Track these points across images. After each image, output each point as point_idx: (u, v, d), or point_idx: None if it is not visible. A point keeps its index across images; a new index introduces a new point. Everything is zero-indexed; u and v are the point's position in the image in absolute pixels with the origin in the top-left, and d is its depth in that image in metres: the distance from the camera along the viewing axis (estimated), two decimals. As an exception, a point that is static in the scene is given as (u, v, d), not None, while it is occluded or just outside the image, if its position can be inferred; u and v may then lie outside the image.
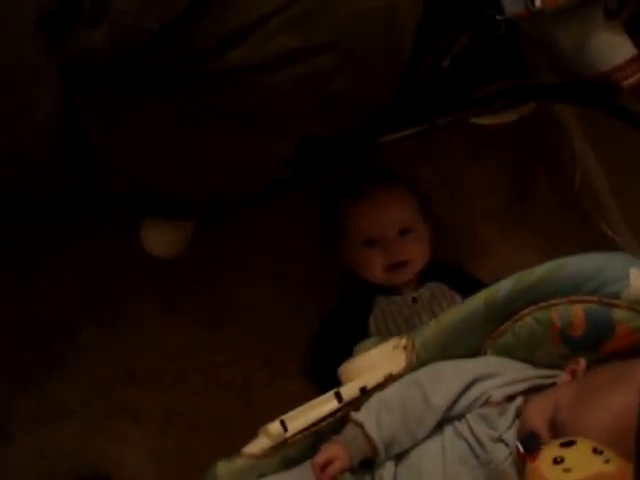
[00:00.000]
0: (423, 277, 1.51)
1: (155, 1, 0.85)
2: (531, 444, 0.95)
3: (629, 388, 0.91)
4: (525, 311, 1.05)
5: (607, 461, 0.73)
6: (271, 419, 1.05)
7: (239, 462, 1.06)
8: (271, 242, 1.58)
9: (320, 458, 1.03)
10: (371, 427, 1.04)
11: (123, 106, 0.99)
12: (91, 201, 1.17)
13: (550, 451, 0.78)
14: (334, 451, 1.03)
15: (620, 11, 1.15)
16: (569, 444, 0.76)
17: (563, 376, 1.03)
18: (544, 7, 1.10)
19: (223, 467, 1.07)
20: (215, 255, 1.55)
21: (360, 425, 1.04)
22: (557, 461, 0.72)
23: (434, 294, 1.48)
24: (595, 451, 0.73)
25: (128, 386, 1.49)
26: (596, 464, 0.71)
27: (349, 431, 1.05)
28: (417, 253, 1.48)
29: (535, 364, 1.08)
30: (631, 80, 1.19)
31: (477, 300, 1.05)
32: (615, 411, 0.91)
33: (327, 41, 0.91)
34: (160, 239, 1.40)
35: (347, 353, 1.14)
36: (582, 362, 1.02)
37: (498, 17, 1.10)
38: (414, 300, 1.48)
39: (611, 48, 1.18)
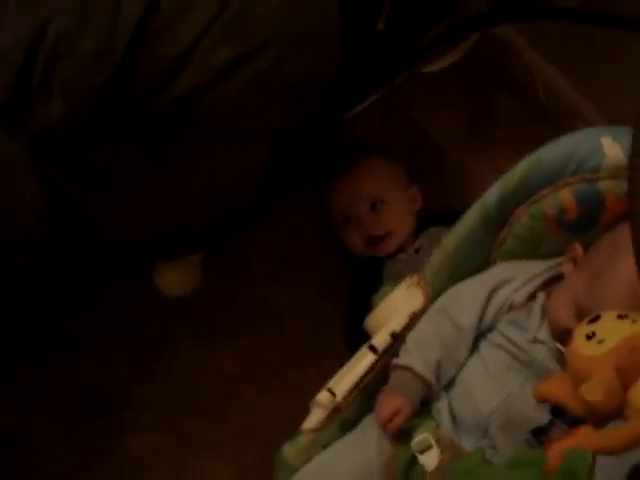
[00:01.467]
0: (419, 228, 1.54)
1: (95, 55, 0.87)
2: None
3: (629, 252, 0.95)
4: (518, 211, 1.08)
5: (634, 321, 0.75)
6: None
7: (302, 440, 1.09)
8: (274, 244, 1.60)
9: (384, 413, 1.06)
10: (419, 366, 1.07)
11: (96, 163, 1.01)
12: (100, 264, 1.20)
13: (581, 331, 0.80)
14: (394, 402, 1.06)
15: None
16: (595, 319, 0.79)
17: (565, 265, 1.06)
18: None
19: (289, 449, 1.10)
20: (226, 272, 1.57)
21: (408, 368, 1.07)
22: (589, 337, 0.74)
23: (434, 238, 1.51)
24: (620, 317, 0.76)
25: (194, 422, 1.49)
26: (626, 327, 0.73)
27: (399, 377, 1.08)
28: (395, 224, 1.50)
29: (545, 258, 1.11)
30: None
31: (472, 216, 1.09)
32: (626, 277, 0.94)
33: (261, 39, 0.94)
34: (174, 279, 1.42)
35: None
36: (577, 246, 1.06)
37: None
38: (416, 251, 1.51)
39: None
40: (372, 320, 1.13)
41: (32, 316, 1.42)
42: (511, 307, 1.08)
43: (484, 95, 1.73)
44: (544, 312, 1.05)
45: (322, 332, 1.55)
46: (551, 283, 1.08)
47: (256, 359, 1.53)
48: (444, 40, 1.40)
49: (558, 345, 1.01)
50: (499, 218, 1.09)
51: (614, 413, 0.68)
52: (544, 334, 1.04)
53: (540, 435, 1.05)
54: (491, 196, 1.08)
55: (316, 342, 1.54)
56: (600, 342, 0.71)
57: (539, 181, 1.06)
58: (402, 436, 1.08)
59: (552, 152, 1.06)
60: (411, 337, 1.10)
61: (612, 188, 1.04)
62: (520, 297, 1.07)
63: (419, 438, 1.06)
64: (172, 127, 0.97)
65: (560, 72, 1.62)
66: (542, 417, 1.03)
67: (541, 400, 0.78)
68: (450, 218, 1.46)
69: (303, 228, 1.61)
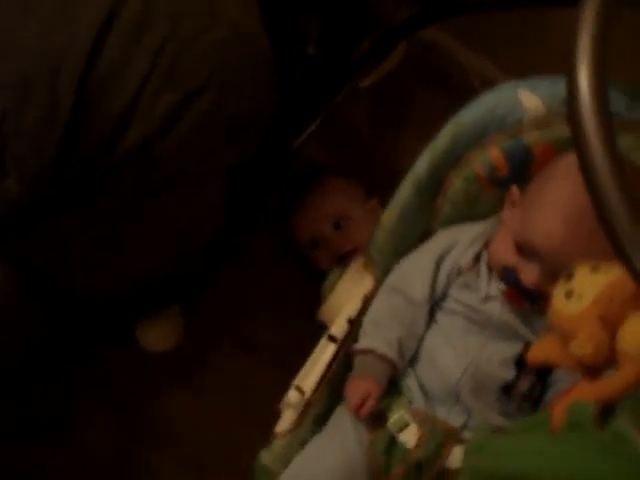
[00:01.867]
0: None
1: (40, 128, 0.86)
2: (510, 277, 1.01)
3: (558, 180, 0.97)
4: (450, 176, 1.09)
5: (607, 272, 0.76)
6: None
7: (278, 443, 1.08)
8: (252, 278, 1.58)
9: (354, 400, 1.05)
10: (380, 347, 1.07)
11: (58, 231, 1.00)
12: (82, 334, 1.20)
13: (558, 290, 0.80)
14: (362, 387, 1.05)
15: None
16: (570, 277, 0.79)
17: (505, 210, 1.08)
18: None
19: (266, 455, 1.09)
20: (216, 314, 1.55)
21: (370, 351, 1.07)
22: (568, 295, 0.75)
23: None
24: (593, 270, 0.76)
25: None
26: (600, 279, 0.74)
27: (363, 362, 1.08)
28: (361, 238, 1.48)
29: (483, 218, 1.12)
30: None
31: (405, 188, 1.09)
32: (554, 203, 0.99)
33: (201, 80, 0.94)
34: (157, 335, 1.44)
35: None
36: (514, 188, 1.07)
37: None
38: None
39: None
40: (326, 310, 1.13)
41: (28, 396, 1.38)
42: (459, 271, 1.08)
43: (424, 100, 1.73)
44: (491, 270, 1.06)
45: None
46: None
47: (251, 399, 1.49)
48: (374, 53, 1.41)
49: (504, 286, 1.02)
50: (432, 186, 1.09)
51: (606, 363, 0.70)
52: (494, 290, 1.06)
53: (509, 391, 1.06)
54: (421, 165, 1.08)
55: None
56: (579, 298, 0.72)
57: (465, 143, 1.07)
58: (377, 419, 1.08)
59: (473, 113, 1.06)
60: (367, 320, 1.10)
61: (537, 139, 1.05)
62: (466, 260, 1.08)
63: (394, 418, 1.06)
64: (126, 182, 0.96)
65: (490, 60, 1.65)
66: (508, 373, 1.05)
67: (535, 364, 0.79)
68: None
69: (279, 260, 1.61)
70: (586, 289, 0.72)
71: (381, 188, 1.48)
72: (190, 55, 0.91)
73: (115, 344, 1.41)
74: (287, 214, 1.56)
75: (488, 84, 1.57)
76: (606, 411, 0.66)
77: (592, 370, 0.70)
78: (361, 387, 1.05)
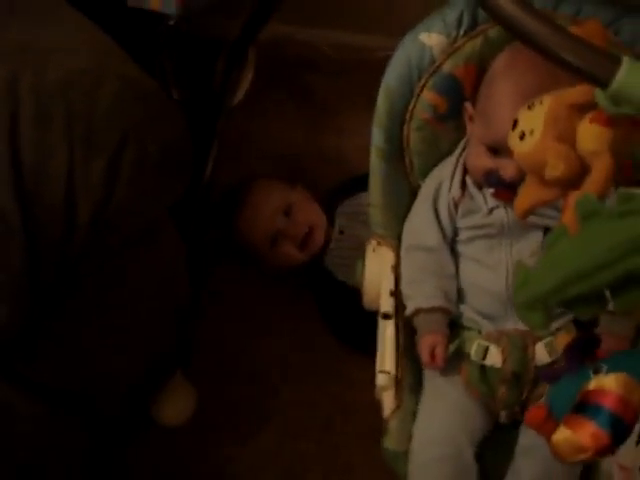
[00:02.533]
0: (328, 215, 1.65)
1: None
2: (492, 179, 1.11)
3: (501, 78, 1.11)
4: (405, 134, 1.20)
5: (541, 101, 0.83)
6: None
7: (392, 425, 1.15)
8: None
9: (424, 357, 1.14)
10: (424, 302, 1.16)
11: (58, 339, 1.07)
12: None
13: (512, 139, 0.85)
14: (427, 342, 1.14)
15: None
16: (515, 124, 0.86)
17: (467, 127, 1.18)
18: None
19: (388, 441, 1.15)
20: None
21: (418, 311, 1.16)
22: (522, 137, 0.83)
23: (348, 213, 1.62)
24: (529, 107, 0.84)
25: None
26: (540, 109, 0.80)
27: (418, 322, 1.16)
28: (312, 217, 1.62)
29: (451, 153, 1.22)
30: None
31: (374, 162, 1.20)
32: (505, 94, 1.09)
33: (117, 135, 1.00)
34: (172, 410, 1.48)
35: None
36: (467, 105, 1.17)
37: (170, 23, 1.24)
38: (341, 232, 1.63)
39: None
40: (368, 299, 1.21)
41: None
42: (455, 204, 1.18)
43: (299, 86, 1.86)
44: (479, 187, 1.16)
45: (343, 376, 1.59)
46: None
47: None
48: (232, 69, 1.50)
49: (491, 192, 1.13)
50: (394, 149, 1.20)
51: (583, 172, 0.78)
52: (491, 200, 1.15)
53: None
54: (376, 137, 1.19)
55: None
56: (531, 133, 0.81)
57: (401, 101, 1.18)
58: (460, 361, 1.16)
59: (393, 73, 1.18)
60: (403, 285, 1.19)
61: (454, 64, 1.16)
62: (456, 191, 1.18)
63: (473, 349, 1.14)
64: (93, 258, 1.02)
65: (330, 28, 1.77)
66: None
67: (524, 214, 0.86)
68: (344, 190, 1.59)
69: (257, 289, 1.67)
70: (532, 123, 0.81)
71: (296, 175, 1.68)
72: (96, 119, 0.97)
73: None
74: (233, 230, 1.64)
75: (338, 48, 1.73)
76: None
77: (576, 186, 0.78)
78: (425, 343, 1.14)
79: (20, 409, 1.04)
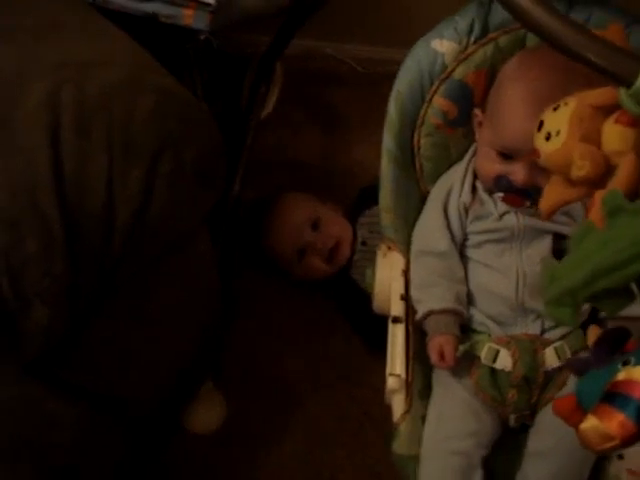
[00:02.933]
0: (352, 227, 1.65)
1: (42, 250, 0.93)
2: (502, 183, 1.13)
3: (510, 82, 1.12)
4: (416, 139, 1.21)
5: (566, 103, 0.83)
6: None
7: (402, 429, 1.14)
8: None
9: (433, 357, 1.14)
10: (435, 304, 1.16)
11: (92, 344, 1.07)
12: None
13: (538, 140, 0.85)
14: (436, 342, 1.14)
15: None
16: (540, 125, 0.86)
17: (476, 133, 1.20)
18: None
19: (397, 445, 1.14)
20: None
21: (429, 313, 1.16)
22: (548, 138, 0.83)
23: (369, 224, 1.62)
24: (555, 109, 0.84)
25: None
26: (566, 110, 0.81)
27: (429, 325, 1.17)
28: (339, 230, 1.62)
29: (460, 159, 1.23)
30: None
31: (385, 167, 1.21)
32: (515, 99, 1.10)
33: (155, 145, 1.02)
34: (203, 417, 1.49)
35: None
36: (476, 111, 1.19)
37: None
38: (363, 244, 1.63)
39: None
40: (378, 301, 1.21)
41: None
42: (466, 209, 1.19)
43: (325, 101, 1.88)
44: (490, 192, 1.17)
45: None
46: None
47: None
48: (260, 83, 1.53)
49: (501, 195, 1.14)
50: (405, 155, 1.22)
51: (608, 172, 0.80)
52: (502, 206, 1.16)
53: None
54: (387, 142, 1.20)
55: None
56: (557, 134, 0.82)
57: (412, 107, 1.19)
58: (470, 364, 1.17)
59: (405, 79, 1.19)
60: (413, 289, 1.19)
61: (465, 71, 1.18)
62: (466, 196, 1.19)
63: (484, 352, 1.15)
64: (130, 265, 1.03)
65: (356, 43, 1.78)
66: None
67: (549, 214, 0.87)
68: (363, 201, 1.60)
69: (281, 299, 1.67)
70: (558, 124, 0.82)
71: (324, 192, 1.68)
72: (134, 130, 0.99)
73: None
74: (261, 244, 1.65)
75: (362, 62, 1.75)
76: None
77: (599, 186, 0.79)
78: (435, 343, 1.14)
79: (57, 410, 1.04)
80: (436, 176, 1.24)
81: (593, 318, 1.15)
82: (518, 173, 1.11)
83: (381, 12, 1.65)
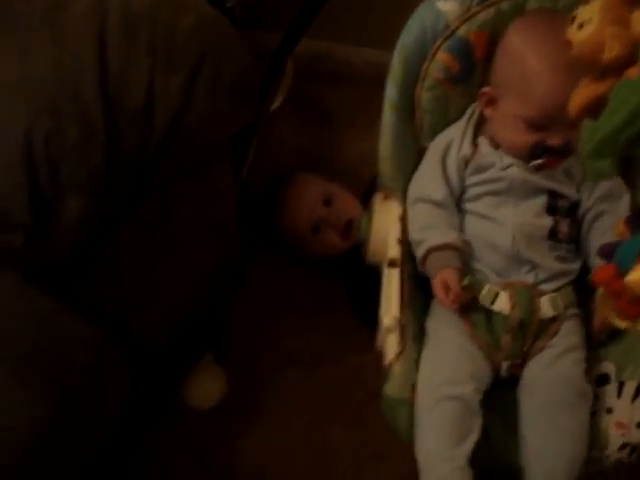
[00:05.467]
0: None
1: (82, 141, 0.95)
2: (541, 150, 1.14)
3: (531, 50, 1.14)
4: (417, 93, 1.24)
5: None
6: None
7: (395, 370, 1.13)
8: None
9: (438, 291, 1.14)
10: (434, 241, 1.17)
11: (114, 262, 1.07)
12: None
13: (572, 32, 0.87)
14: (440, 278, 1.14)
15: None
16: (573, 17, 0.88)
17: (483, 109, 1.22)
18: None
19: (390, 387, 1.13)
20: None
21: (429, 250, 1.17)
22: (580, 27, 0.86)
23: None
24: (585, 2, 0.88)
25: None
26: (598, 2, 0.84)
27: (429, 263, 1.17)
28: (353, 207, 1.61)
29: (459, 118, 1.26)
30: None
31: (387, 115, 1.23)
32: (544, 65, 1.12)
33: (195, 58, 1.06)
34: (202, 391, 1.47)
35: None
36: (485, 89, 1.21)
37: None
38: None
39: None
40: (373, 250, 1.21)
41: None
42: (465, 161, 1.21)
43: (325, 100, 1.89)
44: (495, 144, 1.20)
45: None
46: (480, 126, 1.23)
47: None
48: (272, 76, 1.57)
49: (537, 162, 1.16)
50: (407, 105, 1.24)
51: (635, 57, 0.83)
52: (508, 158, 1.19)
53: (556, 235, 1.19)
54: (390, 91, 1.23)
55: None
56: (590, 21, 0.86)
57: (416, 60, 1.23)
58: (467, 308, 1.16)
59: (409, 35, 1.23)
60: (411, 233, 1.21)
61: (468, 29, 1.22)
62: (466, 149, 1.21)
63: (483, 292, 1.16)
64: (165, 169, 1.04)
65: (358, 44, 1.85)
66: (546, 221, 1.19)
67: (580, 111, 0.87)
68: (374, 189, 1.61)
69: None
70: (589, 14, 0.86)
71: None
72: (177, 40, 1.02)
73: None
74: (275, 221, 1.64)
75: (373, 65, 1.80)
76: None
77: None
78: (438, 279, 1.14)
79: (74, 328, 1.05)
80: (434, 132, 1.26)
81: (582, 277, 1.19)
82: (555, 137, 1.13)
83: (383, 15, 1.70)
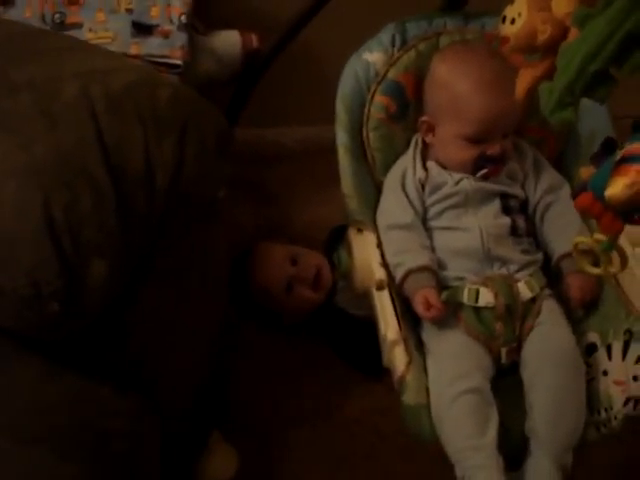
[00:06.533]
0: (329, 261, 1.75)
1: (96, 207, 1.01)
2: (482, 162, 1.30)
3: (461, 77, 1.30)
4: (365, 134, 1.38)
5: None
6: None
7: (409, 379, 1.18)
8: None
9: (419, 309, 1.24)
10: (414, 262, 1.27)
11: (144, 320, 1.13)
12: None
13: (505, 26, 1.01)
14: (419, 297, 1.24)
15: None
16: (504, 19, 1.02)
17: (424, 137, 1.36)
18: None
19: (407, 396, 1.18)
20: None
21: (407, 273, 1.26)
22: (512, 22, 1.00)
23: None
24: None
25: None
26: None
27: (409, 285, 1.27)
28: (315, 258, 1.71)
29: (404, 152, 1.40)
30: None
31: (343, 159, 1.35)
32: (470, 86, 1.28)
33: (180, 122, 1.13)
34: (216, 469, 1.48)
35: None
36: (421, 120, 1.35)
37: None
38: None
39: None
40: (360, 277, 1.29)
41: None
42: (422, 184, 1.34)
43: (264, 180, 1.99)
44: (442, 165, 1.34)
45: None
46: (425, 152, 1.37)
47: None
48: None
49: (481, 172, 1.30)
50: (357, 146, 1.38)
51: (564, 34, 0.98)
52: (457, 174, 1.33)
53: (516, 231, 1.33)
54: (340, 136, 1.36)
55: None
56: (519, 15, 1.01)
57: (357, 105, 1.37)
58: (454, 312, 1.26)
59: (346, 86, 1.38)
60: (389, 256, 1.30)
61: (396, 72, 1.37)
62: (420, 174, 1.34)
63: (465, 294, 1.26)
64: (173, 228, 1.13)
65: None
66: (505, 220, 1.33)
67: (526, 94, 0.98)
68: (334, 239, 1.72)
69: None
70: (518, 9, 1.00)
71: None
72: (160, 109, 1.10)
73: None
74: (248, 287, 1.71)
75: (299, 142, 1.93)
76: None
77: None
78: (419, 297, 1.24)
79: (110, 397, 1.10)
80: (386, 166, 1.38)
81: (547, 266, 1.31)
82: (493, 146, 1.28)
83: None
